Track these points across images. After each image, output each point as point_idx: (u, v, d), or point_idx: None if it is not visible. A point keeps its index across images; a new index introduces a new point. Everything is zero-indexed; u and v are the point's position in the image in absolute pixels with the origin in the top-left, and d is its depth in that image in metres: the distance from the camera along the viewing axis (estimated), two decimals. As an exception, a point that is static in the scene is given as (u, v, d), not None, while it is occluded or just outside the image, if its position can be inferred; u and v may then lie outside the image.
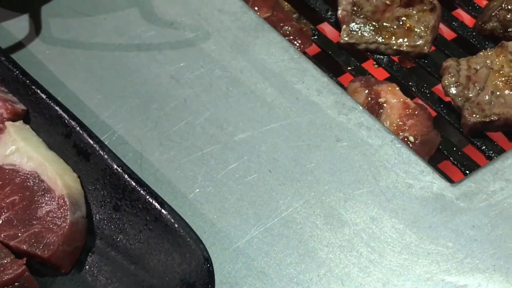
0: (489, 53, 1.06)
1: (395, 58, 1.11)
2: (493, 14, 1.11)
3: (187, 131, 0.86)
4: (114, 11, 0.95)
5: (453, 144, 1.01)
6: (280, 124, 0.86)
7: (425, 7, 1.12)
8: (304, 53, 1.10)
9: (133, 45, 0.92)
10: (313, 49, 1.14)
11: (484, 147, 1.00)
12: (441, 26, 1.15)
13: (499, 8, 1.11)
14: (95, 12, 0.96)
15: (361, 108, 0.87)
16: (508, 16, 1.10)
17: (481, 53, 1.06)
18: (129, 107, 0.88)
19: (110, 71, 0.91)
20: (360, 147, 0.86)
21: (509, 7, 1.10)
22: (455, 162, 0.99)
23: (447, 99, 1.05)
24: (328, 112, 0.86)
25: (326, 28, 1.18)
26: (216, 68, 0.89)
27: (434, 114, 1.05)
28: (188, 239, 0.70)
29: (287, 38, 1.09)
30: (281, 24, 1.11)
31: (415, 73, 1.10)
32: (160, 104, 0.88)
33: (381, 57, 1.10)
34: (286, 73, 0.89)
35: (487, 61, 1.05)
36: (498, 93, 1.01)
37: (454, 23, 1.14)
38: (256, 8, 1.12)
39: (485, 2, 1.16)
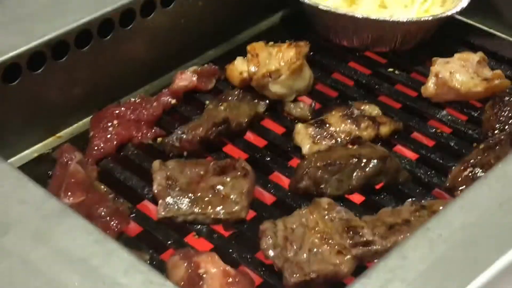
0: (304, 212, 1.07)
1: (215, 227, 1.11)
2: (304, 172, 1.14)
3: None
4: None
5: (277, 306, 1.00)
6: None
7: (238, 173, 1.13)
8: (122, 233, 1.09)
9: None
10: (133, 227, 1.12)
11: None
12: (259, 189, 1.17)
13: (309, 166, 1.14)
14: None
15: (170, 284, 0.85)
16: (319, 173, 1.13)
17: (296, 212, 1.08)
18: None
19: None
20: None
21: (318, 164, 1.13)
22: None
23: (269, 261, 1.04)
24: (136, 292, 0.84)
25: (150, 206, 1.18)
26: (16, 262, 0.86)
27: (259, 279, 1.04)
28: None
29: (103, 219, 1.08)
30: (96, 206, 1.10)
31: (236, 240, 1.09)
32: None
33: (201, 227, 1.10)
34: (91, 257, 0.87)
35: (303, 219, 1.06)
36: (315, 250, 1.02)
37: (269, 185, 1.16)
38: (69, 193, 1.11)
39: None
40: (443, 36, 1.43)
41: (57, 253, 0.88)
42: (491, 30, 1.47)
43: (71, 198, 1.10)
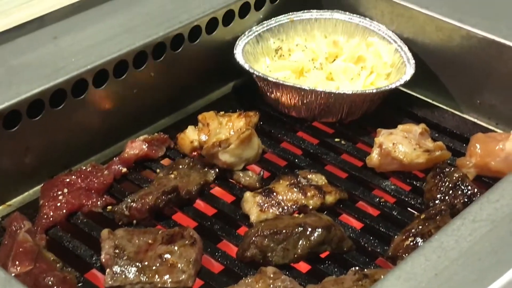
0: (250, 280, 1.09)
1: (163, 295, 1.12)
2: (251, 241, 1.16)
3: None
4: None
5: None
6: None
7: (186, 242, 1.15)
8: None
9: None
10: (80, 296, 1.13)
11: None
12: (207, 258, 1.18)
13: (256, 235, 1.16)
14: None
15: None
16: (265, 242, 1.15)
17: (242, 281, 1.09)
18: None
19: None
20: None
21: (265, 233, 1.15)
22: None
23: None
24: None
25: (98, 274, 1.18)
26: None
27: None
28: None
29: (49, 288, 1.08)
30: (43, 275, 1.10)
31: (183, 309, 1.10)
32: None
33: (149, 296, 1.11)
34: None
35: (248, 288, 1.08)
36: (260, 319, 1.03)
37: (217, 253, 1.18)
38: (17, 262, 1.11)
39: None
40: (388, 107, 1.47)
41: None
42: (434, 102, 1.51)
43: (19, 268, 1.10)
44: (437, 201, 1.24)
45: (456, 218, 1.04)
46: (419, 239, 1.15)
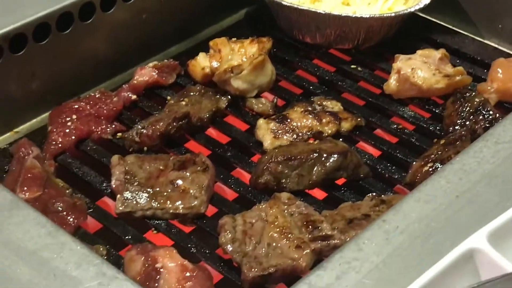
0: (263, 206, 1.06)
1: (175, 222, 1.09)
2: (264, 167, 1.13)
3: None
4: None
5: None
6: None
7: (198, 168, 1.12)
8: (79, 228, 1.07)
9: None
10: (92, 223, 1.11)
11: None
12: (220, 185, 1.16)
13: (270, 161, 1.13)
14: None
15: (123, 276, 0.84)
16: (279, 168, 1.12)
17: (256, 206, 1.07)
18: None
19: None
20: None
21: (279, 159, 1.12)
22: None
23: (228, 256, 1.03)
24: (88, 285, 0.82)
25: (109, 201, 1.16)
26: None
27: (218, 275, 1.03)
28: None
29: (59, 214, 1.06)
30: (52, 201, 1.08)
31: (195, 235, 1.08)
32: None
33: (160, 222, 1.08)
34: (42, 250, 0.85)
35: (262, 214, 1.05)
36: (274, 244, 1.01)
37: (230, 181, 1.15)
38: (25, 188, 1.09)
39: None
40: (406, 33, 1.43)
41: (7, 245, 0.86)
42: (453, 27, 1.47)
43: (27, 193, 1.08)
44: (457, 127, 1.20)
45: (478, 141, 1.00)
46: (438, 165, 1.12)
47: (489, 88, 1.26)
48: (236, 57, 1.29)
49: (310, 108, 1.24)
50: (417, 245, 0.86)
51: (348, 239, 1.00)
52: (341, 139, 1.21)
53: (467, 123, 1.20)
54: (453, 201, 0.91)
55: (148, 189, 1.09)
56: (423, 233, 0.87)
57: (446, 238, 0.86)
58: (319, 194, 1.15)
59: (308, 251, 0.99)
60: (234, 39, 1.34)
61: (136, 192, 1.09)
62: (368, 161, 1.18)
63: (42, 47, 1.22)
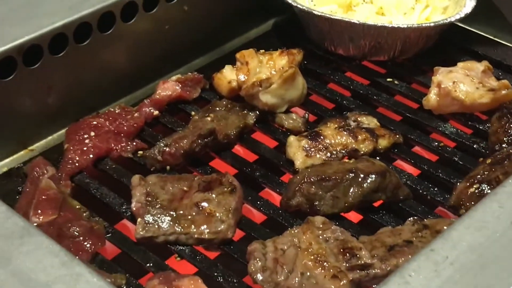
0: (296, 231, 0.99)
1: (199, 248, 1.03)
2: (296, 188, 1.06)
3: None
4: None
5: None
6: None
7: (224, 189, 1.06)
8: (97, 255, 1.00)
9: None
10: (110, 248, 1.04)
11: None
12: (248, 207, 1.09)
13: (302, 181, 1.06)
14: None
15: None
16: (312, 189, 1.05)
17: (288, 231, 1.00)
18: None
19: None
20: None
21: (312, 179, 1.06)
22: None
23: (257, 286, 0.96)
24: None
25: (128, 224, 1.10)
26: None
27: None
28: None
29: (76, 240, 1.00)
30: (68, 225, 1.02)
31: (222, 262, 1.02)
32: None
33: (183, 248, 1.02)
34: (56, 282, 0.78)
35: (295, 240, 0.98)
36: (308, 273, 0.94)
37: (259, 202, 1.09)
38: (39, 212, 1.03)
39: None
40: (445, 44, 1.38)
41: (17, 276, 0.80)
42: (495, 38, 1.42)
43: (41, 217, 1.02)
44: (504, 145, 1.14)
45: (533, 160, 0.92)
46: (485, 186, 1.05)
47: (537, 102, 1.19)
48: (264, 70, 1.24)
49: (344, 124, 1.18)
50: (470, 278, 0.79)
51: (389, 268, 0.94)
52: (378, 158, 1.14)
53: (516, 140, 1.13)
54: (508, 228, 0.84)
55: (171, 212, 1.04)
56: (476, 264, 0.80)
57: (502, 269, 0.80)
58: (354, 217, 1.10)
59: (346, 281, 0.92)
60: (262, 50, 1.29)
61: (158, 216, 1.03)
62: (407, 181, 1.12)
63: (59, 60, 1.17)
